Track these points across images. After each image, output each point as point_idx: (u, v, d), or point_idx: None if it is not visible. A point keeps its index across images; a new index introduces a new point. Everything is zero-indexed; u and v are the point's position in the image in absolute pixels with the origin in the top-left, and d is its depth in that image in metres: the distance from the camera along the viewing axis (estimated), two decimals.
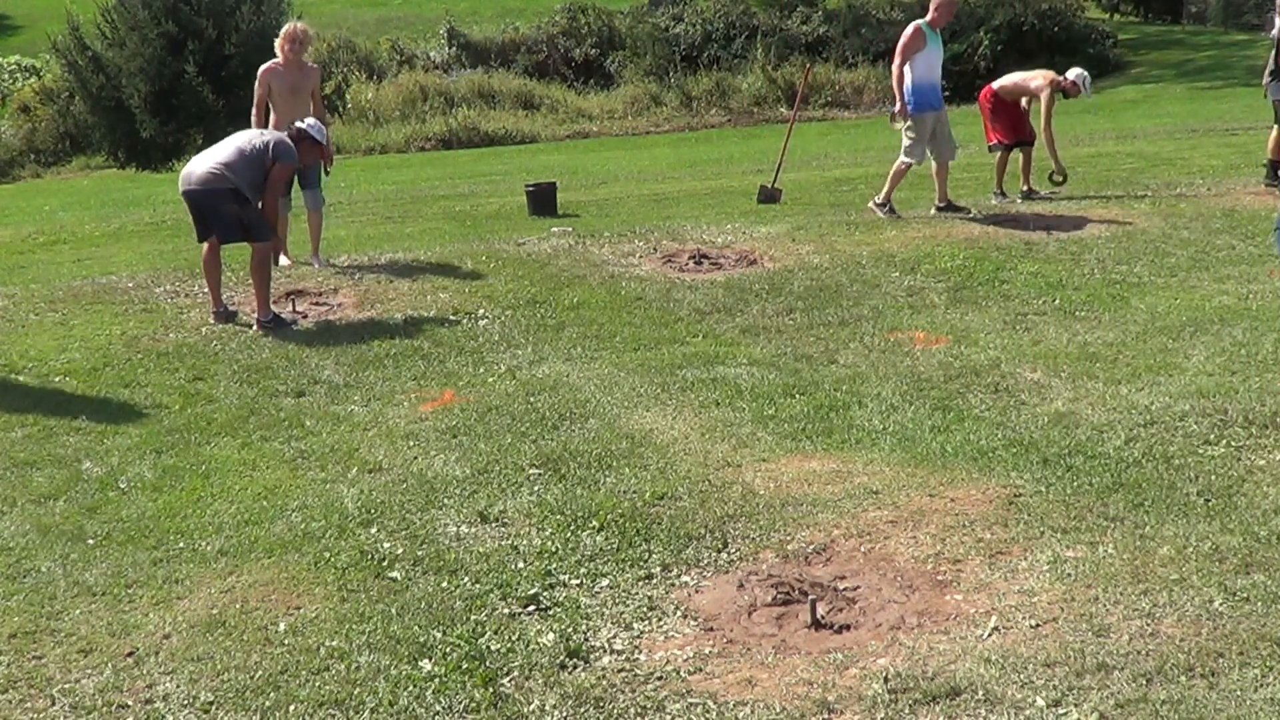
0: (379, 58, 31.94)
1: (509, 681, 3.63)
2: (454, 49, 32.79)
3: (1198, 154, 13.34)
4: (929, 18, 10.08)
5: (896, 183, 10.43)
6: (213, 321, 7.95)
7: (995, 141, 11.09)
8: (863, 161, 15.52)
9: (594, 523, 4.68)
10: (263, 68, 9.20)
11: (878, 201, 10.48)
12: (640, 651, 3.77)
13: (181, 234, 12.05)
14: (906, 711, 3.33)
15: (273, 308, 7.94)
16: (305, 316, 8.16)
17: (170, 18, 24.50)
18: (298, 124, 8.10)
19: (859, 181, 13.00)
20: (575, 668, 3.68)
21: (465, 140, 26.74)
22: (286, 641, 3.93)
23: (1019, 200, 10.92)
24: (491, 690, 3.57)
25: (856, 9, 31.64)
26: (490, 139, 26.73)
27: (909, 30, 10.03)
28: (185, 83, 24.25)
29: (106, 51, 25.42)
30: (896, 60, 10.04)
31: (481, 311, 8.07)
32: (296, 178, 9.25)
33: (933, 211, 10.53)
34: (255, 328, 7.77)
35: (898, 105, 10.07)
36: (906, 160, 10.18)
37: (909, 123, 10.05)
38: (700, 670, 3.65)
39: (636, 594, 4.14)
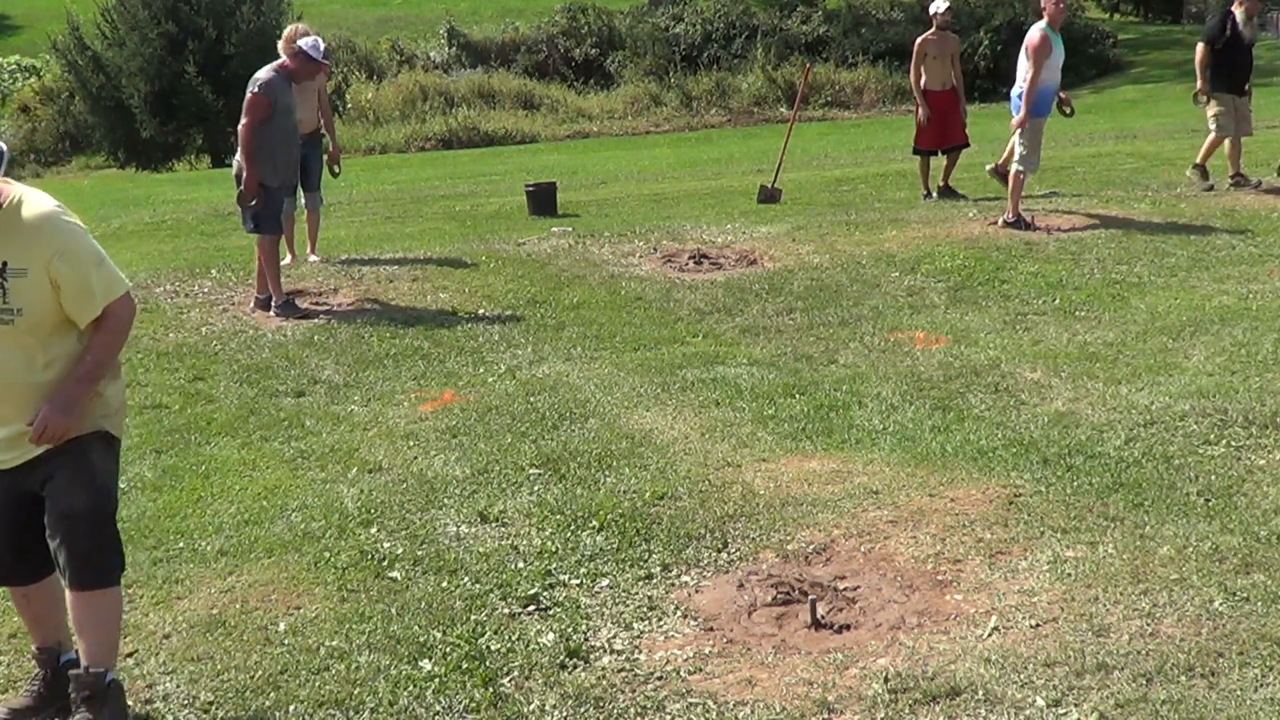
0: (379, 58, 31.94)
1: (509, 681, 3.63)
2: (454, 49, 32.79)
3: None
4: (1046, 19, 9.42)
5: (1019, 195, 9.74)
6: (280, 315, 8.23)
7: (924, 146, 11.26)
8: (863, 161, 15.52)
9: (594, 523, 4.68)
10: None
11: (1007, 220, 9.67)
12: (640, 651, 3.77)
13: (181, 234, 12.07)
14: (906, 711, 3.33)
15: (289, 304, 8.26)
16: (305, 317, 8.16)
17: (170, 18, 24.53)
18: (298, 42, 8.22)
19: (859, 181, 13.00)
20: (575, 668, 3.68)
21: (465, 140, 26.73)
22: (286, 641, 3.93)
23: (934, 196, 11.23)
24: (491, 690, 3.57)
25: (856, 9, 31.65)
26: (490, 139, 26.72)
27: (1037, 36, 9.33)
28: (185, 83, 24.28)
29: (106, 51, 25.44)
30: (1030, 69, 9.30)
31: (481, 311, 8.07)
32: (301, 179, 9.27)
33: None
34: (271, 312, 8.23)
35: (1198, 85, 9.98)
36: (1021, 169, 9.57)
37: (1027, 128, 9.50)
38: (700, 670, 3.65)
39: (636, 594, 4.14)
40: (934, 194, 11.31)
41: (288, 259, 9.61)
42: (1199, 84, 10.70)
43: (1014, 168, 9.71)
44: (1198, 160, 11.21)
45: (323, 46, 8.13)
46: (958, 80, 11.22)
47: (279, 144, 8.08)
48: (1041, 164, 11.22)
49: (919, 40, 11.15)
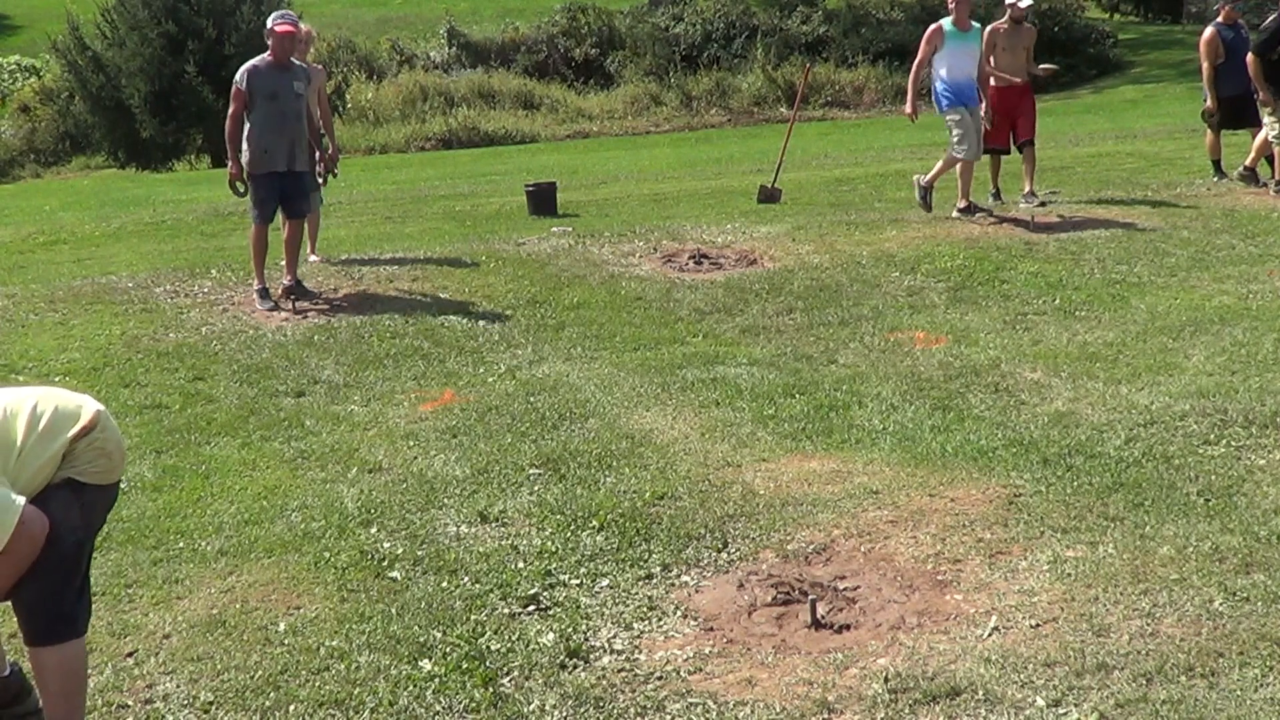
0: (379, 58, 31.89)
1: (509, 681, 3.63)
2: (454, 49, 32.74)
3: (1198, 154, 13.30)
4: (951, 17, 10.01)
5: (967, 180, 10.16)
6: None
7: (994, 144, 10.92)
8: (863, 161, 15.52)
9: (594, 523, 4.68)
10: None
11: (959, 208, 10.23)
12: (640, 651, 3.77)
13: (181, 234, 12.07)
14: (906, 711, 3.33)
15: (264, 291, 8.41)
16: (305, 316, 8.16)
17: (170, 18, 24.51)
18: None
19: (859, 181, 13.00)
20: (575, 668, 3.68)
21: (465, 140, 26.70)
22: (286, 641, 3.93)
23: (1021, 202, 10.66)
24: (491, 690, 3.57)
25: (856, 9, 31.60)
26: (490, 139, 26.68)
27: (931, 27, 10.10)
28: (185, 83, 24.26)
29: (106, 51, 25.42)
30: (920, 55, 10.19)
31: (481, 311, 8.07)
32: None
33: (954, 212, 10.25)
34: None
35: (1260, 96, 10.17)
36: (956, 156, 10.01)
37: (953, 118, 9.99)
38: (700, 670, 3.65)
39: (636, 594, 4.14)
40: (1001, 196, 10.85)
41: (314, 258, 9.60)
42: (1261, 95, 10.34)
43: (949, 154, 10.08)
44: (1248, 163, 11.01)
45: (282, 13, 8.20)
46: (1031, 73, 10.71)
47: (264, 130, 8.07)
48: (1041, 163, 11.24)
49: (988, 30, 10.51)
